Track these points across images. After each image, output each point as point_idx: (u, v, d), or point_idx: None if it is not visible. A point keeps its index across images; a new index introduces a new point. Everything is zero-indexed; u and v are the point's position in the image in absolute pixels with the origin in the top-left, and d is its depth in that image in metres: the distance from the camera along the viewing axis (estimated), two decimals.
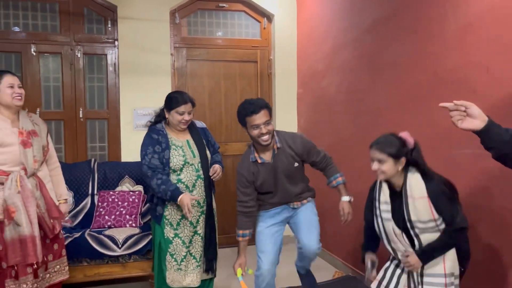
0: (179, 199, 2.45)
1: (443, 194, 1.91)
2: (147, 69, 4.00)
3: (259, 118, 2.35)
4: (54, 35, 3.89)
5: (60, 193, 2.70)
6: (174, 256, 2.64)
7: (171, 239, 2.63)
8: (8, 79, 2.41)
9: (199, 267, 2.71)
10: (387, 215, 2.03)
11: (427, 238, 1.95)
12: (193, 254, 2.68)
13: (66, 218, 3.43)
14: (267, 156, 2.47)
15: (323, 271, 3.58)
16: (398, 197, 2.02)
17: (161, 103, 3.96)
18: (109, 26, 3.99)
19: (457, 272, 1.97)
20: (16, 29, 3.83)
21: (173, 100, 2.61)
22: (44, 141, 2.56)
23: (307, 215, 2.59)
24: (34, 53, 3.83)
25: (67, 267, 2.70)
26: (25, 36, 3.82)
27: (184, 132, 2.68)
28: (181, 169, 2.59)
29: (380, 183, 2.08)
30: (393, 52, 2.94)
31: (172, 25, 4.13)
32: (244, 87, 4.42)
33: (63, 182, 2.76)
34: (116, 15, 3.96)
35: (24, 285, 2.41)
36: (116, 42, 3.99)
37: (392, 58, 2.96)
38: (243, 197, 2.48)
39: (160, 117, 2.73)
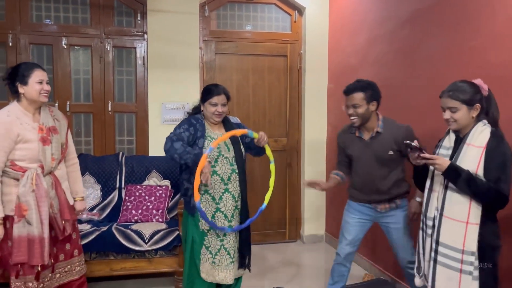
0: (202, 160, 2.36)
1: (502, 156, 1.80)
2: (175, 63, 3.96)
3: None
4: (85, 27, 3.90)
5: (77, 191, 2.66)
6: (210, 249, 2.58)
7: (206, 231, 2.58)
8: (38, 74, 2.37)
9: (232, 264, 2.62)
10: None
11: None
12: (227, 249, 2.61)
13: (94, 211, 3.45)
14: (365, 135, 2.57)
15: (352, 273, 3.47)
16: (457, 143, 1.96)
17: (189, 97, 3.99)
18: (139, 19, 3.97)
19: (475, 252, 1.82)
20: (48, 21, 3.85)
21: (207, 92, 2.62)
22: (63, 139, 2.52)
23: (400, 234, 2.60)
24: (65, 46, 3.85)
25: (79, 267, 2.63)
26: (56, 29, 3.84)
27: (219, 127, 2.66)
28: (216, 161, 2.55)
29: (448, 131, 2.02)
30: (433, 46, 2.78)
31: (201, 18, 4.07)
32: (272, 82, 4.32)
33: (80, 179, 2.71)
34: (145, 8, 3.93)
35: (30, 284, 2.36)
36: (145, 35, 3.96)
37: (431, 52, 2.80)
38: (339, 156, 2.78)
39: (197, 109, 2.71)
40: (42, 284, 2.43)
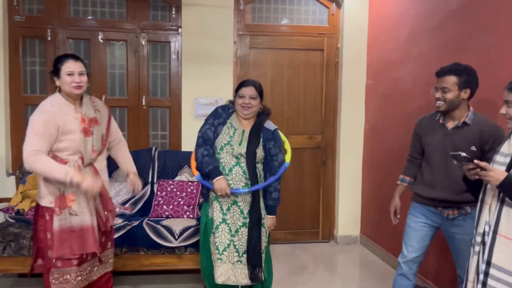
0: (216, 179, 2.47)
1: None
2: (209, 58, 3.90)
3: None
4: (120, 22, 3.91)
5: (128, 166, 2.63)
6: (217, 244, 2.53)
7: (218, 223, 2.54)
8: (69, 65, 2.28)
9: (240, 263, 2.55)
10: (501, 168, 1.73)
11: None
12: (236, 247, 2.54)
13: (127, 205, 3.46)
14: (449, 124, 2.34)
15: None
16: None
17: (222, 93, 3.93)
18: (173, 13, 3.94)
19: None
20: (89, 17, 3.88)
21: (238, 85, 2.60)
22: (104, 130, 2.48)
23: (465, 246, 2.23)
24: (101, 41, 3.88)
25: (112, 259, 2.62)
26: (93, 24, 3.88)
27: (247, 123, 2.60)
28: (221, 148, 2.53)
29: (509, 134, 1.78)
30: (487, 40, 2.56)
31: (236, 11, 3.99)
32: (308, 77, 4.19)
33: (131, 158, 2.68)
34: (180, 2, 3.89)
35: (68, 276, 2.34)
36: (179, 30, 3.93)
37: (482, 46, 2.59)
38: (411, 147, 2.57)
39: (231, 103, 2.69)
40: (80, 277, 2.40)
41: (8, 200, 3.40)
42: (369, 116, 4.11)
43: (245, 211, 2.54)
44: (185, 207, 3.37)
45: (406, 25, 3.46)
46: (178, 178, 3.58)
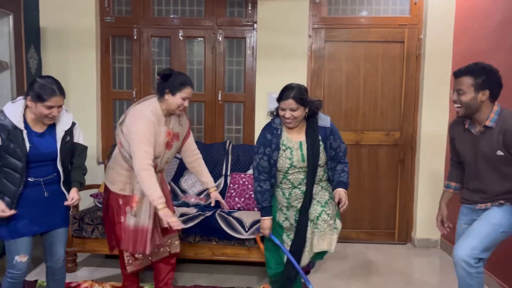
0: (263, 218, 2.59)
1: None
2: (283, 52, 3.90)
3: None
4: (199, 19, 4.06)
5: (207, 182, 2.78)
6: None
7: (281, 222, 2.63)
8: (187, 91, 2.43)
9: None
10: None
11: None
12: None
13: (201, 196, 3.60)
14: (475, 129, 2.23)
15: None
16: None
17: None
18: (249, 8, 3.99)
19: None
20: (173, 16, 4.08)
21: (279, 93, 2.50)
22: (180, 143, 2.65)
23: (481, 221, 2.19)
24: (181, 38, 4.06)
25: (177, 241, 2.78)
26: (174, 22, 4.07)
27: (299, 131, 2.52)
28: (287, 171, 2.52)
29: None
30: None
31: (311, 5, 3.93)
32: (386, 70, 4.00)
33: (207, 171, 2.81)
34: None
35: (138, 255, 2.65)
36: (255, 25, 3.98)
37: None
38: (450, 151, 2.51)
39: (275, 112, 2.63)
40: (150, 257, 2.67)
41: (97, 186, 3.71)
42: (454, 111, 3.81)
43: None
44: None
45: (498, 12, 3.14)
46: (250, 171, 3.64)
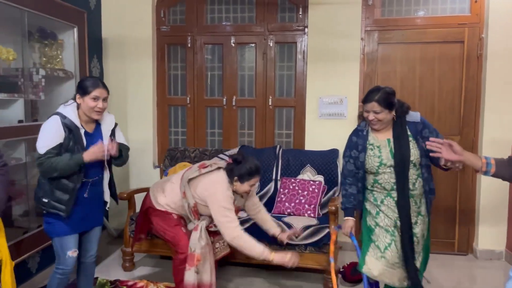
0: (345, 219, 2.54)
1: None
2: (334, 56, 3.85)
3: None
4: (250, 26, 4.11)
5: (271, 227, 2.88)
6: (377, 243, 2.43)
7: (373, 227, 2.47)
8: (254, 180, 2.64)
9: (398, 265, 2.41)
10: None
11: None
12: (397, 247, 2.42)
13: None
14: None
15: None
16: None
17: (347, 91, 3.85)
18: (300, 13, 3.99)
19: None
20: (225, 23, 4.17)
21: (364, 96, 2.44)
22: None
23: None
24: (233, 44, 4.14)
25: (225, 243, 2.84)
26: (226, 29, 4.15)
27: (386, 130, 2.43)
28: (377, 171, 2.41)
29: None
30: None
31: (364, 7, 3.85)
32: (444, 72, 3.82)
33: (270, 218, 2.93)
34: (307, 2, 3.92)
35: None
36: (306, 29, 3.97)
37: None
38: None
39: (361, 115, 2.56)
40: None
41: None
42: None
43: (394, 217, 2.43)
44: (306, 206, 3.40)
45: None
46: (300, 176, 3.62)
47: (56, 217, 2.33)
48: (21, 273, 3.08)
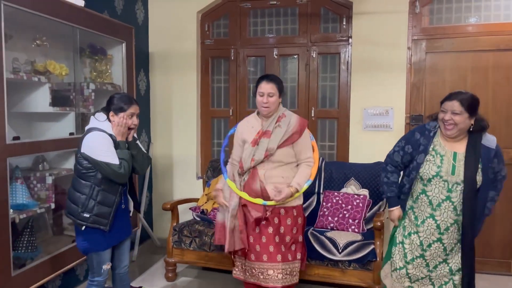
0: (390, 209, 2.43)
1: None
2: (380, 66, 3.75)
3: None
4: (293, 37, 4.10)
5: (292, 181, 2.65)
6: (410, 275, 2.32)
7: (397, 241, 2.38)
8: (262, 86, 2.59)
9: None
10: None
11: None
12: (432, 280, 2.29)
13: None
14: None
15: None
16: None
17: (393, 102, 3.73)
18: (344, 23, 3.93)
19: None
20: (267, 35, 4.19)
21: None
22: (274, 144, 2.53)
23: None
24: (276, 56, 4.14)
25: (281, 275, 2.54)
26: (270, 41, 4.16)
27: (459, 142, 2.24)
28: (429, 180, 2.24)
29: None
30: None
31: (411, 15, 3.73)
32: (498, 81, 3.61)
33: (302, 174, 2.66)
34: (351, 12, 3.86)
35: (238, 262, 2.74)
36: (349, 40, 3.90)
37: None
38: None
39: (433, 117, 2.38)
40: (244, 270, 2.68)
41: (196, 200, 3.90)
42: None
43: (448, 248, 2.29)
44: (350, 221, 3.30)
45: None
46: (344, 190, 3.53)
47: (94, 232, 2.33)
48: (70, 280, 3.19)
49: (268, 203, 2.50)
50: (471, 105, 2.15)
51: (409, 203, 2.36)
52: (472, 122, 2.19)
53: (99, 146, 2.27)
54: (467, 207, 2.17)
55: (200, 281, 3.54)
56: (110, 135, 2.32)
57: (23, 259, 2.54)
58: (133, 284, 3.31)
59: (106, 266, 2.43)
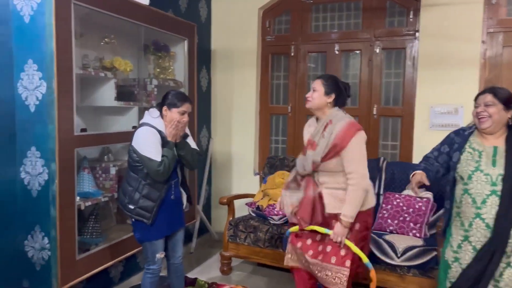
0: (413, 174, 2.22)
1: None
2: (449, 61, 3.51)
3: None
4: (356, 32, 3.97)
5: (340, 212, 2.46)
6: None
7: (450, 263, 2.15)
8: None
9: None
10: None
11: None
12: None
13: None
14: None
15: None
16: None
17: (464, 100, 3.48)
18: (411, 17, 3.72)
19: None
20: (329, 31, 4.10)
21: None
22: (318, 157, 2.34)
23: None
24: (337, 52, 4.03)
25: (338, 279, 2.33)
26: (331, 37, 4.06)
27: (498, 138, 2.08)
28: (469, 177, 2.06)
29: None
30: None
31: (486, 6, 3.45)
32: None
33: (350, 201, 2.37)
34: (419, 4, 3.64)
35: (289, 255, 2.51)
36: (416, 34, 3.69)
37: None
38: None
39: None
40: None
41: (252, 196, 3.92)
42: None
43: (478, 246, 2.05)
44: (411, 224, 3.13)
45: None
46: (406, 192, 3.35)
47: (142, 223, 2.41)
48: (131, 266, 3.35)
49: (330, 232, 2.33)
50: (505, 96, 2.02)
51: (455, 210, 2.17)
52: (510, 115, 2.05)
53: (145, 141, 2.33)
54: (506, 202, 1.96)
55: (254, 277, 3.55)
56: (160, 132, 2.38)
57: (88, 244, 2.71)
58: (189, 275, 3.40)
59: (160, 255, 2.51)
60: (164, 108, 2.42)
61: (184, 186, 2.64)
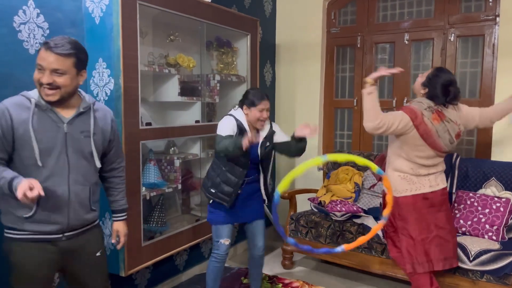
0: None
1: None
2: None
3: None
4: (426, 20, 3.72)
5: None
6: None
7: None
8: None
9: None
10: None
11: None
12: None
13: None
14: None
15: None
16: None
17: None
18: (490, 0, 3.41)
19: None
20: (399, 20, 3.89)
21: None
22: None
23: None
24: (407, 42, 3.81)
25: None
26: (400, 26, 3.85)
27: None
28: None
29: None
30: None
31: None
32: None
33: None
34: None
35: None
36: (497, 19, 3.37)
37: None
38: None
39: None
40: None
41: (315, 191, 3.86)
42: None
43: None
44: (487, 226, 2.88)
45: None
46: (481, 191, 3.09)
47: (217, 206, 2.61)
48: (195, 255, 3.48)
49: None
50: None
51: None
52: None
53: (220, 124, 2.54)
54: None
55: (316, 273, 3.51)
56: (237, 120, 2.55)
57: (153, 232, 2.85)
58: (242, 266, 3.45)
59: (223, 241, 2.62)
60: (245, 107, 2.59)
61: (265, 186, 2.74)
